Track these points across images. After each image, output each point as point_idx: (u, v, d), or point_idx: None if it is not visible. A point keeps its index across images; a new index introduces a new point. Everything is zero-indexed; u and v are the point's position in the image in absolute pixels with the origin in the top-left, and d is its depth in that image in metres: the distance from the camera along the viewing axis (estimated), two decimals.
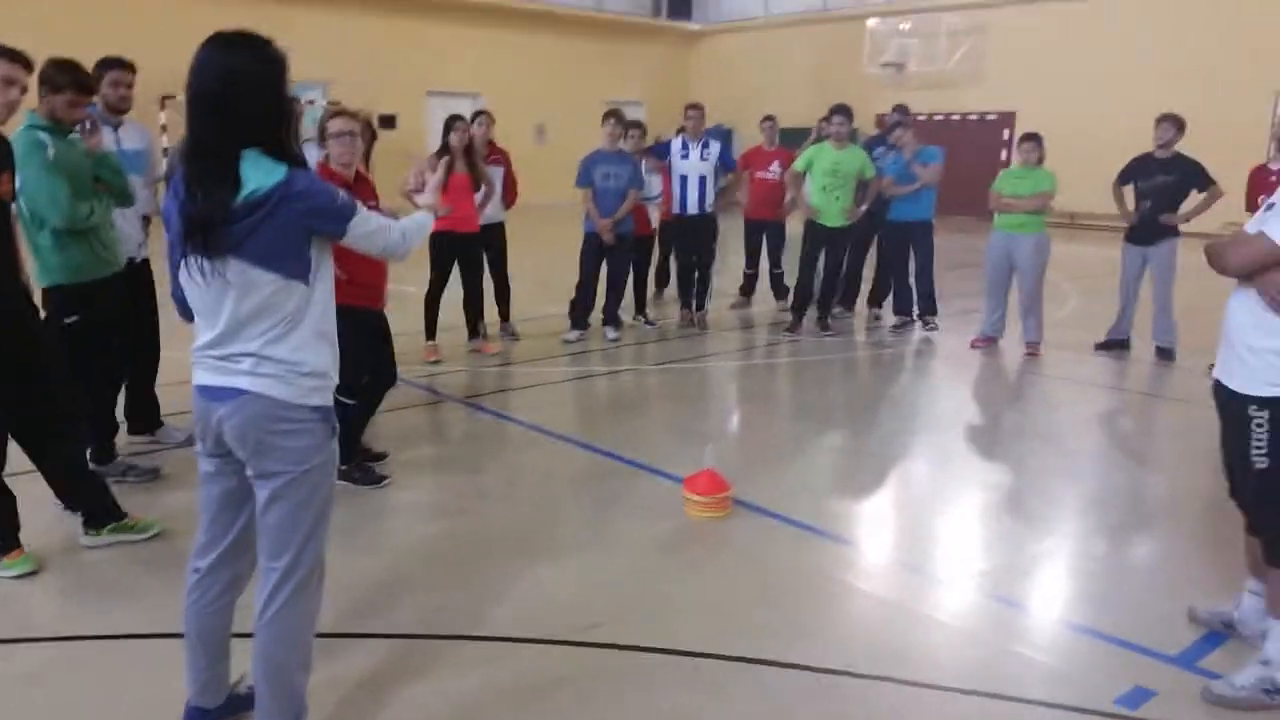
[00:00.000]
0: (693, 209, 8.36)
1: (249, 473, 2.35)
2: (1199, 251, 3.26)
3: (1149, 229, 7.69)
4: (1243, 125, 16.93)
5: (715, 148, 8.40)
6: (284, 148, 2.25)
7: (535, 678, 3.01)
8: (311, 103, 18.03)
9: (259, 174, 2.17)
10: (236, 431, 2.30)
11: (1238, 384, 2.89)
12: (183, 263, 2.27)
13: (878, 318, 9.21)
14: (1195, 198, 7.64)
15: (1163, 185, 7.61)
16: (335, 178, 4.23)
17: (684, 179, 8.33)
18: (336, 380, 2.42)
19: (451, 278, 7.13)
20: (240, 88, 2.19)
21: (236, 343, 2.27)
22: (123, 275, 4.37)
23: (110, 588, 3.57)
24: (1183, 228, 7.67)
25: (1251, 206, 6.92)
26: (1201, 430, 6.06)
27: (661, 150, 8.55)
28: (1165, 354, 7.81)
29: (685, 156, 8.32)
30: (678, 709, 2.85)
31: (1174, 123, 7.64)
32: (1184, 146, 7.70)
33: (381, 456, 4.90)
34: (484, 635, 3.24)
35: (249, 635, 2.44)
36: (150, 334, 4.93)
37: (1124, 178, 7.93)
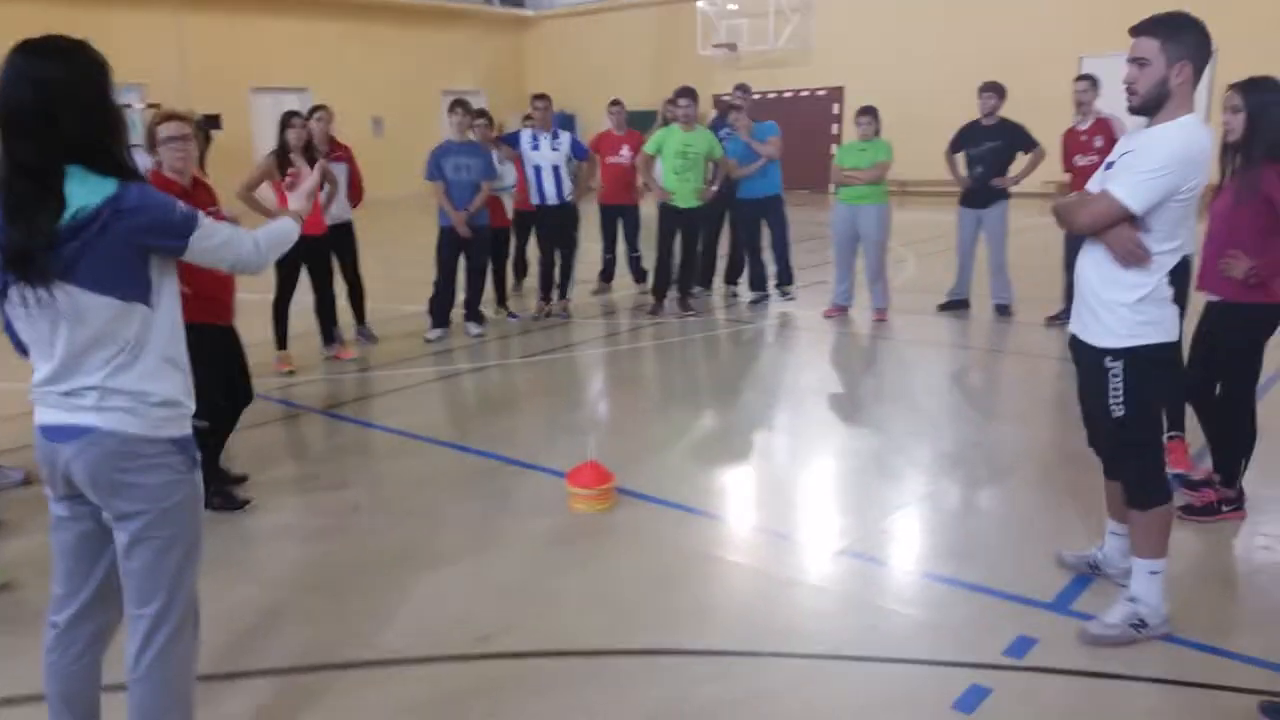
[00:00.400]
0: (550, 199, 8.26)
1: (105, 516, 2.15)
2: (1028, 211, 3.43)
3: (981, 193, 8.10)
4: (1051, 90, 18.03)
5: (565, 138, 8.32)
6: (114, 160, 2.04)
7: (432, 698, 2.90)
8: (129, 107, 16.89)
9: (84, 191, 1.97)
10: (86, 472, 2.09)
11: (1092, 337, 3.04)
12: (8, 293, 2.04)
13: (735, 295, 9.37)
14: (1021, 160, 8.11)
15: (991, 150, 8.03)
16: (171, 186, 3.94)
17: (538, 169, 8.21)
18: (192, 407, 2.23)
19: (299, 282, 6.81)
20: (57, 100, 1.96)
21: (77, 376, 2.07)
22: None
23: None
24: (1012, 189, 8.11)
25: (1067, 167, 7.38)
26: (1046, 381, 6.46)
27: (513, 140, 8.40)
28: (1003, 310, 8.27)
29: (536, 148, 8.19)
30: (582, 711, 2.80)
31: (995, 91, 8.07)
32: (1005, 112, 8.15)
33: (241, 479, 4.63)
34: (372, 660, 3.10)
35: (121, 687, 2.24)
36: None
37: (954, 145, 8.33)
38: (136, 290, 2.06)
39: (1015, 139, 8.08)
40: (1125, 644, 3.04)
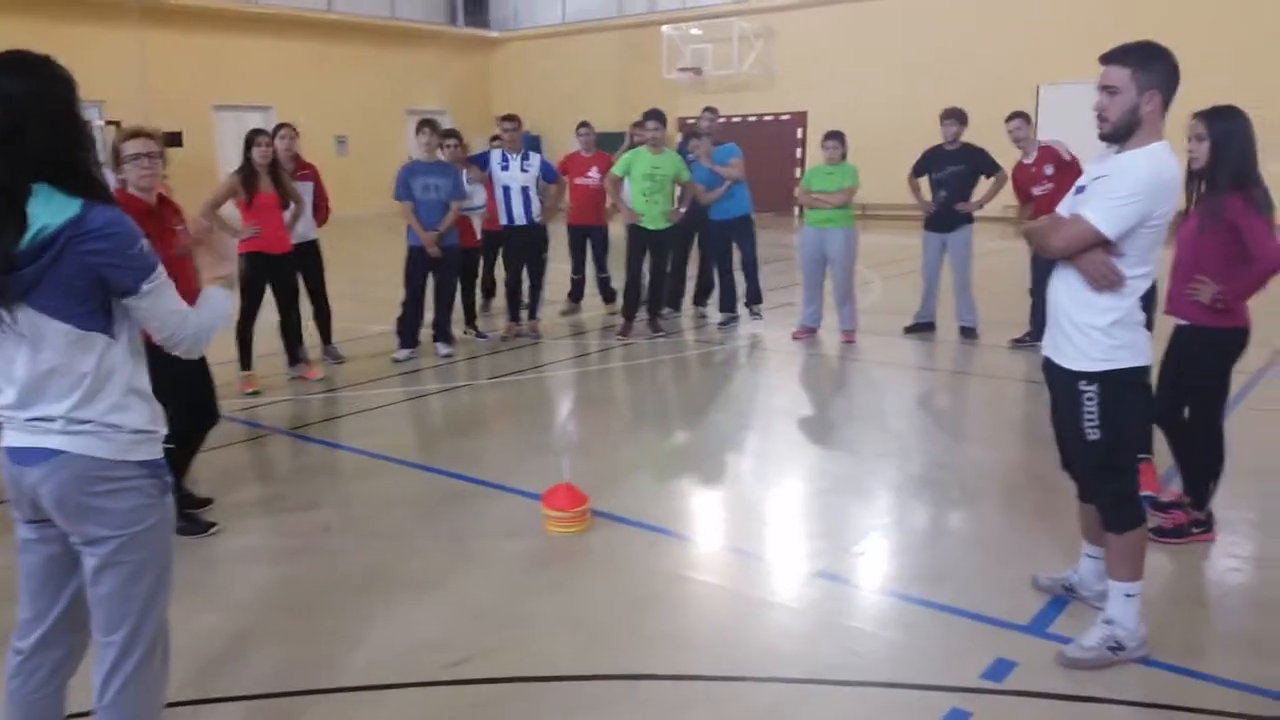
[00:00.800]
0: (519, 220, 8.22)
1: (74, 540, 2.09)
2: (990, 235, 3.47)
3: (946, 217, 8.22)
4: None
5: (536, 160, 8.29)
6: (83, 176, 1.99)
7: None
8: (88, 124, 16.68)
9: (47, 212, 1.91)
10: (53, 496, 2.03)
11: (1066, 360, 3.07)
12: None
13: (704, 316, 9.39)
14: (984, 184, 8.23)
15: (954, 174, 8.17)
16: (136, 203, 3.87)
17: (507, 190, 8.17)
18: (163, 432, 2.17)
19: (264, 302, 6.71)
20: (24, 115, 1.91)
21: (41, 404, 2.02)
22: None
23: None
24: (975, 214, 8.24)
25: (1024, 199, 7.51)
26: (1013, 403, 6.53)
27: (482, 160, 8.36)
28: (968, 332, 8.37)
29: (505, 168, 8.16)
30: None
31: (957, 117, 8.21)
32: (966, 138, 8.29)
33: (206, 502, 4.52)
34: (344, 686, 3.03)
35: (84, 715, 2.17)
36: None
37: (917, 170, 8.45)
38: (95, 320, 2.00)
39: (978, 163, 8.21)
40: (1103, 666, 3.05)
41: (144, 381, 2.14)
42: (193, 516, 4.29)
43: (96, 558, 2.07)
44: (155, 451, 2.14)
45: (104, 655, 2.12)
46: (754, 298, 9.09)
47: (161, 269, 2.05)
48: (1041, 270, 7.40)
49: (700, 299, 9.56)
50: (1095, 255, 2.93)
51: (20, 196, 1.91)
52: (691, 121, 9.48)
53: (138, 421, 2.09)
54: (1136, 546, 3.07)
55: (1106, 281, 2.93)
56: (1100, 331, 2.96)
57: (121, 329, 2.07)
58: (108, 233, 1.95)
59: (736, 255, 8.95)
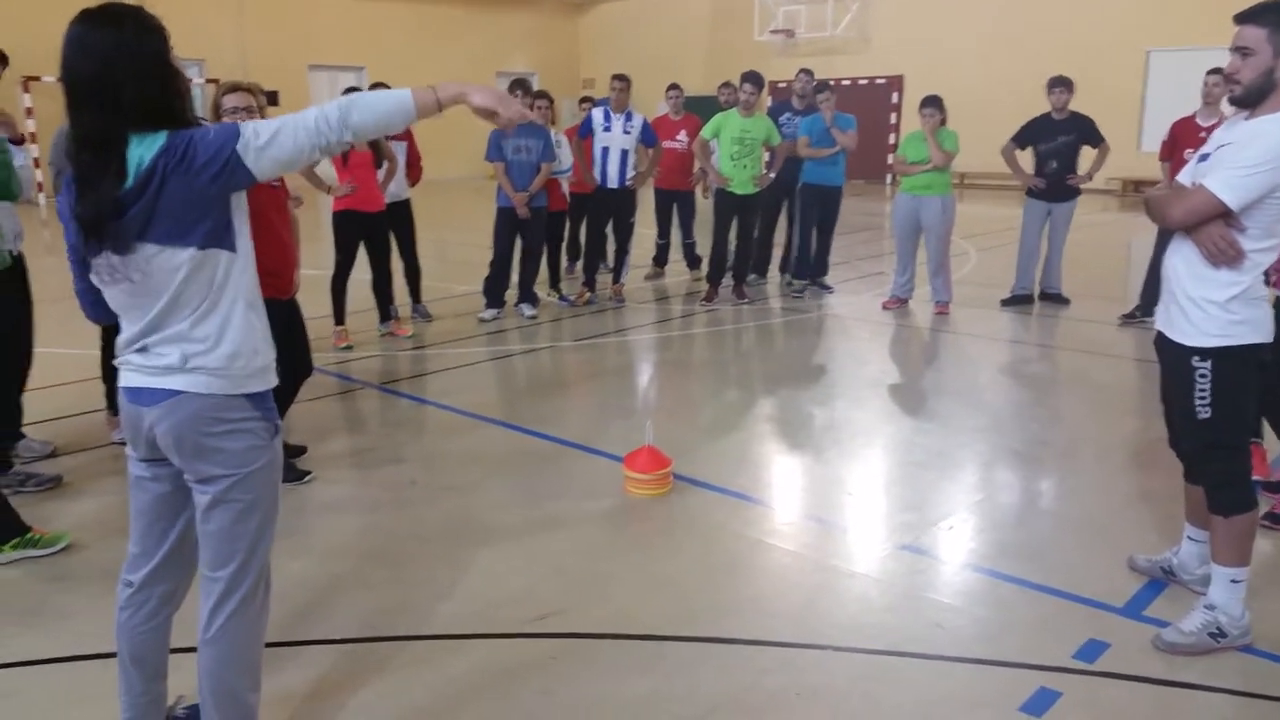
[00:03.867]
0: (612, 182, 8.19)
1: (187, 478, 2.16)
2: (1090, 207, 3.32)
3: (1057, 188, 7.95)
4: (1117, 83, 17.63)
5: (639, 121, 8.22)
6: (176, 119, 2.02)
7: (491, 674, 2.88)
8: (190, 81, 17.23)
9: (140, 151, 1.96)
10: (171, 436, 2.10)
11: (1179, 335, 2.93)
12: (93, 264, 2.04)
13: (790, 284, 9.27)
14: (1089, 154, 7.92)
15: (1065, 144, 7.89)
16: None
17: (605, 151, 8.14)
18: (273, 354, 2.21)
19: (358, 259, 6.84)
20: (120, 69, 1.95)
21: (162, 333, 2.07)
22: (9, 271, 4.01)
23: (20, 610, 3.27)
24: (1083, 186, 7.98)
25: (1171, 156, 7.13)
26: (1116, 380, 6.30)
27: (584, 128, 8.29)
28: (1057, 298, 8.20)
29: (608, 129, 8.12)
30: (645, 695, 2.77)
31: (1065, 85, 7.91)
32: (1071, 105, 8.00)
33: (301, 450, 4.66)
34: (431, 634, 3.10)
35: (188, 650, 2.25)
36: (22, 333, 4.38)
37: (1022, 140, 8.14)
38: (213, 236, 2.03)
39: (1087, 132, 7.92)
40: (1202, 653, 2.94)
41: (258, 297, 2.17)
42: (290, 465, 4.41)
43: (209, 495, 2.13)
44: (268, 380, 2.18)
45: (210, 590, 2.20)
46: (822, 269, 8.95)
47: (246, 123, 2.01)
48: (1166, 243, 7.14)
49: (789, 266, 9.42)
50: (1214, 228, 2.78)
51: (117, 146, 1.96)
52: (785, 85, 9.31)
53: (250, 338, 2.12)
54: (1245, 531, 2.93)
55: (1225, 257, 2.78)
56: (1218, 306, 2.82)
57: (242, 238, 2.10)
58: (191, 144, 1.96)
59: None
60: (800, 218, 8.84)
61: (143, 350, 2.10)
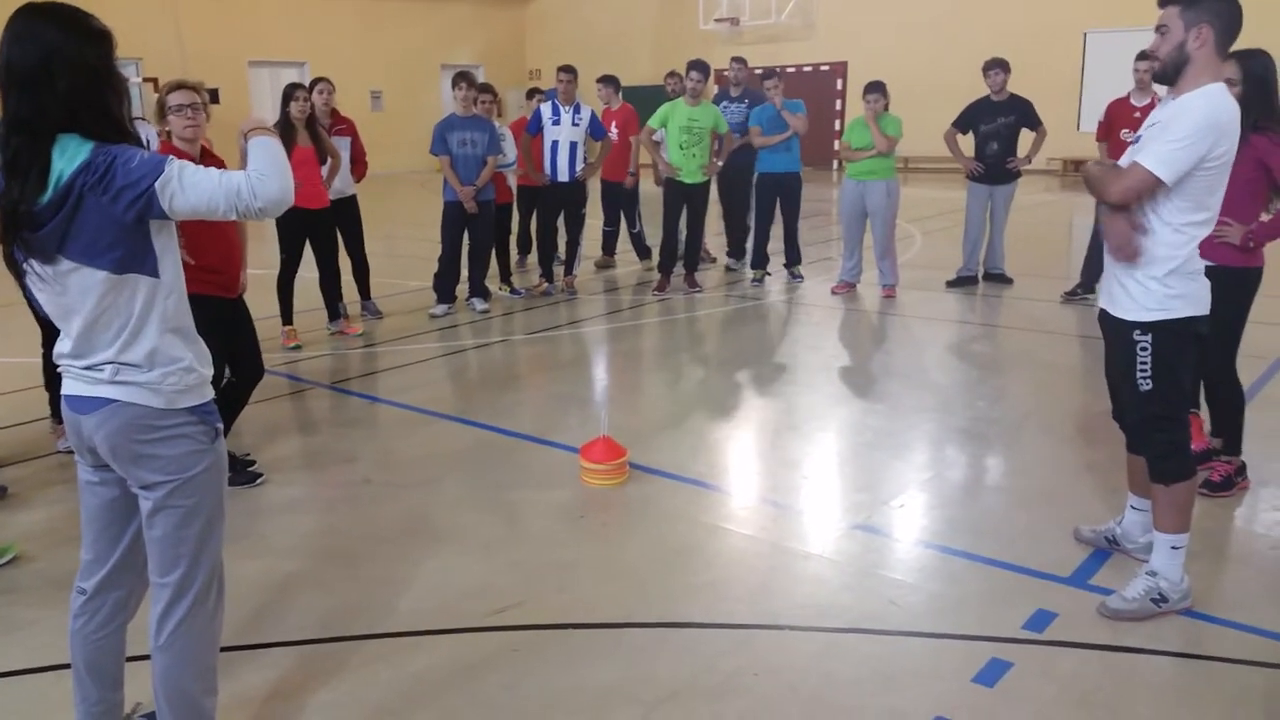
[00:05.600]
0: (563, 176, 8.16)
1: (130, 484, 2.14)
2: (1032, 188, 3.42)
3: (997, 171, 8.08)
4: (1056, 64, 17.96)
5: (587, 113, 8.19)
6: (112, 125, 2.00)
7: (452, 670, 2.88)
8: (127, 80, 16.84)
9: (64, 159, 1.93)
10: (107, 443, 2.08)
11: (1120, 311, 3.03)
12: (25, 268, 2.02)
13: (734, 269, 9.31)
14: (1027, 137, 8.07)
15: (1005, 126, 8.02)
16: (181, 155, 3.88)
17: (554, 145, 8.10)
18: (209, 374, 2.19)
19: (304, 257, 6.76)
20: (58, 65, 1.93)
21: (92, 350, 2.05)
22: None
23: None
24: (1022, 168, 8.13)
25: (1107, 136, 7.27)
26: (1059, 357, 6.44)
27: (533, 124, 8.23)
28: (1001, 278, 8.36)
29: (556, 122, 8.07)
30: (605, 683, 2.78)
31: (1002, 66, 8.05)
32: (1011, 89, 8.14)
33: (249, 462, 4.58)
34: (389, 632, 3.09)
35: (144, 658, 2.23)
36: None
37: (963, 123, 8.26)
38: (129, 260, 2.00)
39: (1025, 114, 8.07)
40: (1145, 618, 3.03)
41: (188, 321, 2.15)
42: (242, 468, 4.35)
43: (150, 501, 2.11)
44: (204, 395, 2.16)
45: (159, 596, 2.18)
46: (794, 258, 8.95)
47: (174, 160, 1.96)
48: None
49: (736, 253, 9.46)
50: (1119, 222, 2.91)
51: (44, 137, 1.93)
52: (726, 73, 9.34)
53: (183, 362, 2.10)
54: (1185, 498, 3.03)
55: (1122, 253, 2.93)
56: (1156, 281, 2.92)
57: (165, 265, 2.07)
58: (112, 165, 1.92)
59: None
60: (757, 207, 8.83)
61: (79, 364, 2.08)
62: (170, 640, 2.17)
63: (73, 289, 2.00)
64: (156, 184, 1.93)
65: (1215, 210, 2.92)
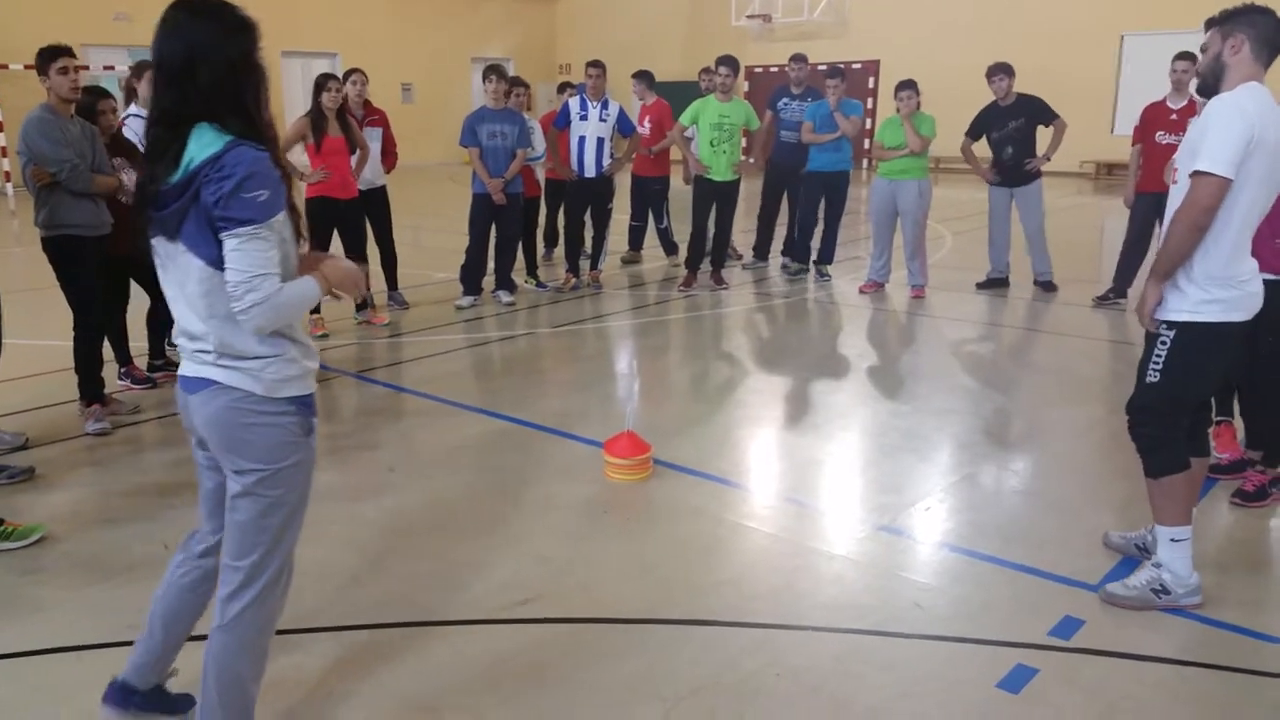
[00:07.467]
0: (589, 171, 8.14)
1: (224, 465, 2.18)
2: (1064, 190, 3.39)
3: (1015, 174, 7.98)
4: (1091, 67, 17.75)
5: (615, 109, 8.16)
6: (248, 120, 2.06)
7: (477, 661, 2.88)
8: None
9: (198, 146, 2.00)
10: (206, 425, 2.14)
11: (1161, 310, 3.02)
12: (151, 242, 2.11)
13: (785, 266, 9.28)
14: (1044, 134, 7.95)
15: (1016, 129, 7.92)
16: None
17: (582, 140, 8.09)
18: (311, 366, 2.20)
19: (331, 246, 6.79)
20: (199, 54, 2.00)
21: (197, 331, 2.10)
22: None
23: None
24: (1043, 169, 8.01)
25: (1143, 139, 7.15)
26: (1089, 362, 6.35)
27: (561, 119, 8.22)
28: (1046, 286, 8.18)
29: (584, 117, 8.05)
30: (629, 677, 2.77)
31: (1006, 71, 7.95)
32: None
33: None
34: (413, 621, 3.09)
35: (199, 638, 2.27)
36: None
37: (975, 131, 8.17)
38: (223, 260, 2.02)
39: (1036, 112, 7.97)
40: (1143, 608, 3.05)
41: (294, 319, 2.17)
42: None
43: (239, 485, 2.15)
44: (306, 387, 2.18)
45: (229, 579, 2.21)
46: (826, 257, 8.91)
47: (259, 229, 1.97)
48: (1139, 228, 7.19)
49: (790, 248, 9.36)
50: (1151, 288, 2.96)
51: (183, 125, 2.01)
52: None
53: (287, 354, 2.13)
54: (1178, 491, 3.05)
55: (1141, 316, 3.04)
56: (1194, 285, 2.92)
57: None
58: (232, 170, 1.96)
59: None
60: (803, 202, 8.76)
61: (189, 345, 2.14)
62: (233, 623, 2.20)
63: (184, 272, 2.05)
64: (231, 231, 1.96)
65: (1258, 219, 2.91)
